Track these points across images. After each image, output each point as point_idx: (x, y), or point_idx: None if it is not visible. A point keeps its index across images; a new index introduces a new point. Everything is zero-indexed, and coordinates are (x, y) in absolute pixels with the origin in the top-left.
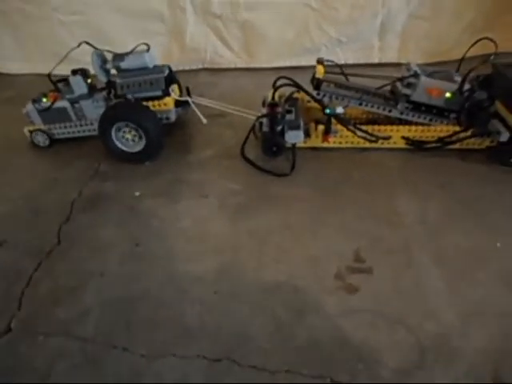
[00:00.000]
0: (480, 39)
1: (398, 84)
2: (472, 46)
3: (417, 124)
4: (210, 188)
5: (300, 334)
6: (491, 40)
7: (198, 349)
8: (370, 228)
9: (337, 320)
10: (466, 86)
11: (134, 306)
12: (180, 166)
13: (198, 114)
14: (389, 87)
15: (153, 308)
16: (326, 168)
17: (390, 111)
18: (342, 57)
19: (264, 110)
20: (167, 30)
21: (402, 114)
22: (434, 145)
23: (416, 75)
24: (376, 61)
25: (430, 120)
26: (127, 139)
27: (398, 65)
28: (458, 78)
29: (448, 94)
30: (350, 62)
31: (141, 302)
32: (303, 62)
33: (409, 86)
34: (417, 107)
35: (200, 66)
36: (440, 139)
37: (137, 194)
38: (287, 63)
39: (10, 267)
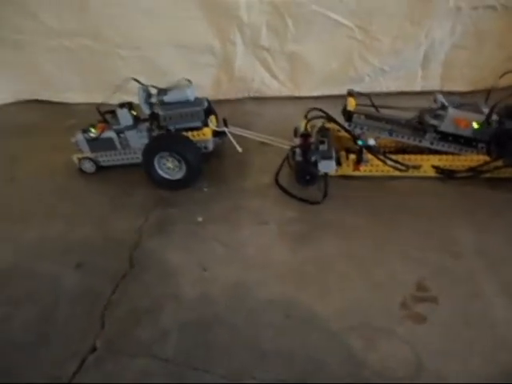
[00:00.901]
0: (506, 72)
1: (426, 115)
2: (501, 77)
3: (447, 153)
4: (268, 215)
5: (372, 361)
6: None
7: (276, 373)
8: (430, 257)
9: (409, 349)
10: (494, 117)
11: (209, 329)
12: (236, 193)
13: (234, 143)
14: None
15: (228, 332)
16: (371, 196)
17: (420, 141)
18: (385, 85)
19: (296, 140)
20: (217, 61)
21: (432, 144)
22: (465, 174)
23: (443, 107)
24: (418, 89)
25: (458, 149)
26: (169, 168)
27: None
28: (486, 109)
29: (475, 125)
30: (393, 89)
31: (216, 325)
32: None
33: (436, 116)
34: (445, 137)
35: (246, 95)
36: (471, 169)
37: (199, 219)
38: (331, 92)
39: (89, 289)
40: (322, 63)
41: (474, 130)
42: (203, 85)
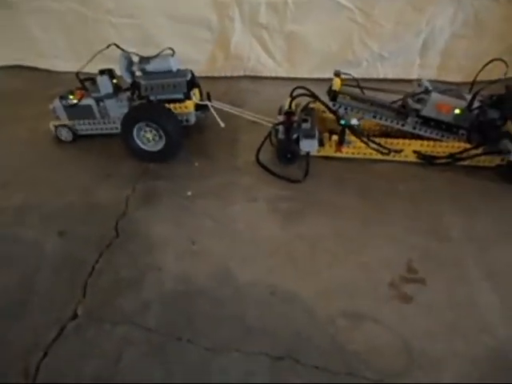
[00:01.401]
0: (491, 61)
1: (409, 99)
2: (483, 67)
3: (429, 139)
4: (257, 192)
5: (358, 338)
6: (503, 61)
7: (260, 346)
8: (418, 240)
9: (393, 328)
10: (476, 104)
11: (193, 301)
12: (225, 169)
13: (217, 118)
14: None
15: (212, 305)
16: (356, 178)
17: (402, 125)
18: (382, 71)
19: (280, 118)
20: (213, 37)
21: (414, 128)
22: (444, 160)
23: (427, 91)
24: (415, 77)
25: (440, 135)
26: (147, 138)
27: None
28: (468, 97)
29: (457, 111)
30: (390, 77)
31: (200, 298)
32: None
33: (419, 101)
34: (426, 122)
35: (241, 74)
36: (451, 155)
37: (189, 193)
38: (327, 75)
39: (72, 257)
40: (321, 45)
41: (456, 116)
42: (198, 60)
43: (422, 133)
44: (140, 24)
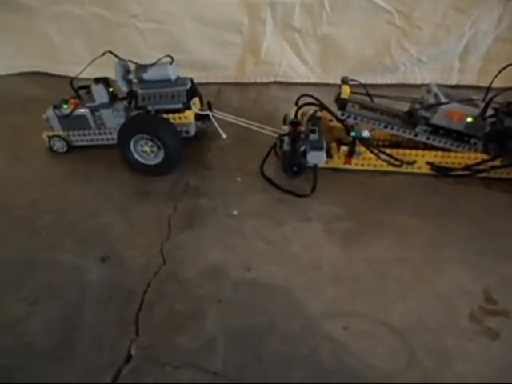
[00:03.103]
0: (507, 66)
1: (417, 106)
2: (499, 72)
3: (442, 150)
4: (309, 210)
5: (449, 381)
6: None
7: None
8: (492, 264)
9: (486, 369)
10: (489, 112)
11: (260, 338)
12: (270, 184)
13: (218, 128)
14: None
15: (282, 342)
16: (392, 194)
17: (415, 135)
18: (420, 77)
19: (286, 128)
20: (243, 41)
21: (428, 139)
22: (461, 172)
23: (437, 98)
24: (454, 82)
25: (451, 145)
26: (146, 151)
27: (477, 88)
28: (481, 103)
29: (469, 119)
30: (427, 82)
31: (268, 334)
32: (379, 80)
33: (428, 108)
34: (436, 130)
35: (271, 79)
36: (468, 167)
37: (234, 212)
38: (362, 80)
39: (118, 286)
40: (356, 49)
41: (467, 125)
42: (227, 65)
43: (433, 142)
44: (167, 29)
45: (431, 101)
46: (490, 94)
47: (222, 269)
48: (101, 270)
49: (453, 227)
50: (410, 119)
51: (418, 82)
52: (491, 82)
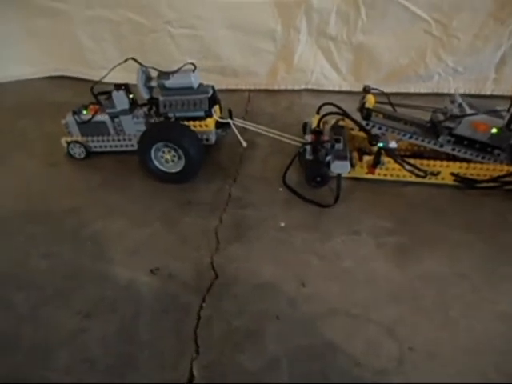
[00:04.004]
0: None
1: (440, 115)
2: None
3: (466, 160)
4: (357, 223)
5: None
6: None
7: None
8: None
9: None
10: None
11: (325, 358)
12: (314, 195)
13: (239, 137)
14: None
15: (346, 360)
16: (436, 206)
17: (441, 146)
18: (453, 86)
19: (307, 137)
20: (276, 48)
21: (453, 150)
22: (489, 184)
23: (461, 108)
24: (488, 92)
25: (475, 156)
26: (166, 160)
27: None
28: (505, 114)
29: (494, 130)
30: (461, 91)
31: (331, 352)
32: (412, 89)
33: (452, 118)
34: (459, 141)
35: (303, 87)
36: (495, 178)
37: (282, 224)
38: (395, 89)
39: (172, 301)
40: (391, 58)
41: (492, 136)
42: (258, 72)
43: (457, 153)
44: (200, 35)
45: (456, 111)
46: None
47: (276, 284)
48: (152, 283)
49: (506, 242)
50: (432, 129)
51: (452, 92)
52: None
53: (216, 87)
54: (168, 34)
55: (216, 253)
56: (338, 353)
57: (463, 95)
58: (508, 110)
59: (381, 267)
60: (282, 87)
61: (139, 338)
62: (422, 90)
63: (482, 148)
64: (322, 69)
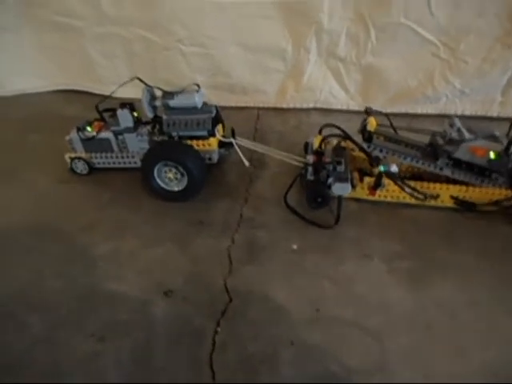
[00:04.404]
0: None
1: (439, 139)
2: None
3: (468, 184)
4: (369, 247)
5: None
6: None
7: None
8: None
9: None
10: None
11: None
12: (327, 218)
13: (241, 156)
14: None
15: None
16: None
17: (441, 169)
18: (460, 107)
19: (310, 158)
20: (286, 68)
21: (452, 173)
22: (490, 208)
23: (460, 133)
24: (494, 115)
25: (473, 179)
26: (169, 178)
27: None
28: (503, 139)
29: (492, 155)
30: (467, 113)
31: (345, 379)
32: (419, 110)
33: (451, 142)
34: (458, 164)
35: (311, 106)
36: (495, 202)
37: (294, 247)
38: (402, 110)
39: (186, 325)
40: (399, 79)
41: (490, 160)
42: (267, 91)
43: (456, 177)
44: (211, 53)
45: (454, 135)
46: None
47: (290, 308)
48: (165, 306)
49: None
50: (432, 152)
51: (459, 113)
52: None
53: (225, 104)
54: (179, 51)
55: (229, 275)
56: (353, 379)
57: (465, 117)
58: (507, 135)
59: (393, 293)
60: (291, 106)
61: (154, 362)
62: (430, 111)
63: (481, 172)
64: (330, 88)
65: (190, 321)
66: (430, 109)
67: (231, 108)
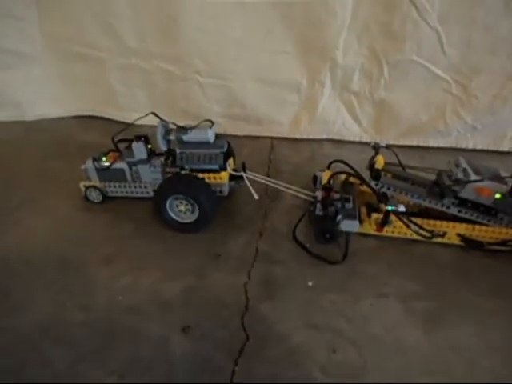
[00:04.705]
0: None
1: (445, 178)
2: None
3: (474, 223)
4: (385, 285)
5: None
6: None
7: None
8: None
9: None
10: None
11: None
12: (336, 253)
13: (251, 189)
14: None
15: None
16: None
17: (448, 208)
18: (471, 142)
19: (319, 194)
20: (300, 100)
21: (459, 212)
22: (498, 247)
23: (465, 173)
24: (506, 149)
25: (480, 218)
26: (181, 211)
27: None
28: (509, 179)
29: (498, 195)
30: (479, 147)
31: None
32: (430, 143)
33: (457, 181)
34: (463, 203)
35: (324, 136)
36: (503, 242)
37: (310, 283)
38: (414, 143)
39: (205, 363)
40: (411, 114)
41: (496, 201)
42: (281, 122)
43: (463, 215)
44: (227, 85)
45: (460, 175)
46: None
47: (307, 349)
48: (184, 342)
49: None
50: (438, 191)
51: (470, 147)
52: None
53: (240, 134)
54: (197, 82)
55: (246, 312)
56: None
57: (476, 152)
58: None
59: (410, 335)
60: (304, 136)
61: None
62: (441, 145)
63: (487, 211)
64: (343, 121)
65: (209, 359)
66: (442, 142)
67: (246, 137)
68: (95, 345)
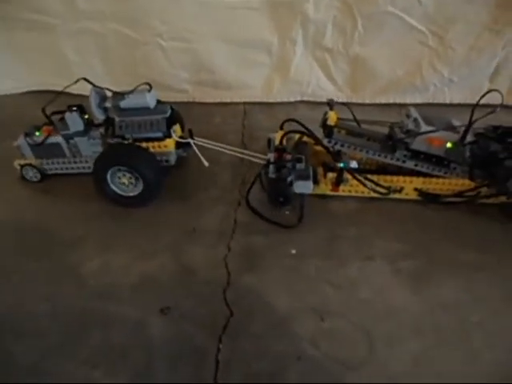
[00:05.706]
0: (488, 92)
1: (397, 130)
2: (480, 99)
3: (431, 176)
4: (370, 247)
5: None
6: (498, 92)
7: None
8: None
9: None
10: (469, 138)
11: None
12: (326, 219)
13: (200, 157)
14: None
15: None
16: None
17: (403, 162)
18: (448, 96)
19: (271, 155)
20: (272, 61)
21: (416, 165)
22: (454, 199)
23: (416, 123)
24: (483, 102)
25: (431, 169)
26: (123, 183)
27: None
28: (461, 128)
29: (449, 144)
30: (456, 101)
31: None
32: (408, 100)
33: (408, 133)
34: (416, 155)
35: (298, 99)
36: (459, 193)
37: (293, 251)
38: (391, 100)
39: (186, 344)
40: (387, 69)
41: (447, 150)
42: (253, 85)
43: (418, 168)
44: (192, 48)
45: (411, 126)
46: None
47: (293, 320)
48: (163, 324)
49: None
50: (390, 144)
51: (447, 102)
52: (474, 107)
53: (210, 101)
54: (159, 46)
55: (227, 286)
56: None
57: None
58: (469, 123)
59: (399, 296)
60: (278, 99)
61: None
62: (418, 101)
63: (439, 162)
64: (317, 80)
65: (191, 339)
66: (419, 98)
67: (216, 104)
68: (63, 335)
